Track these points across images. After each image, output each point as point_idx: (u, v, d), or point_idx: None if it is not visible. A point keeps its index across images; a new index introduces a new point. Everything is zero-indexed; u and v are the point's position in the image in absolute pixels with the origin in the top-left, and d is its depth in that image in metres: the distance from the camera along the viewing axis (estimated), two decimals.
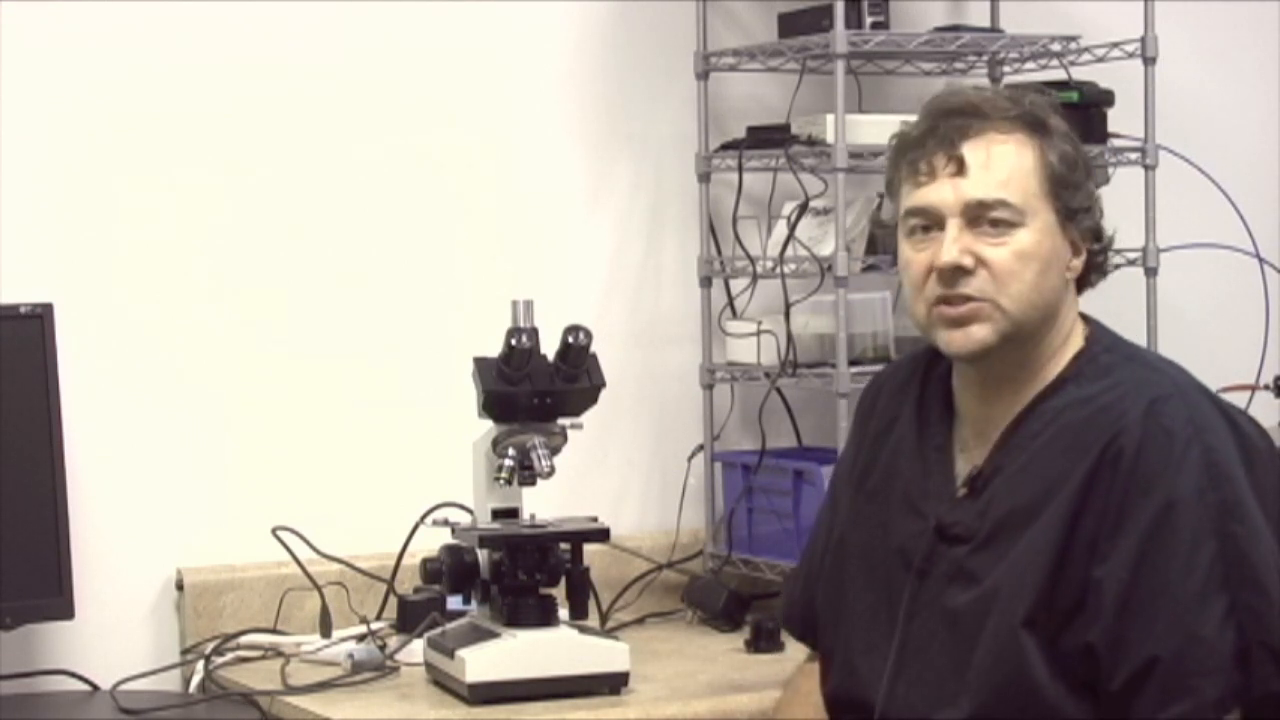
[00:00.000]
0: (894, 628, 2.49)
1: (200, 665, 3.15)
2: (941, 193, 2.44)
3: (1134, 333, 2.85)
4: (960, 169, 2.43)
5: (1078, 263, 2.49)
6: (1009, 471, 2.44)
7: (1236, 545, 2.33)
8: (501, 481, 2.97)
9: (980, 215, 2.42)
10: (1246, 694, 2.31)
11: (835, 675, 2.59)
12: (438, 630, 3.00)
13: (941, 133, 2.45)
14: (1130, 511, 2.34)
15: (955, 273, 2.42)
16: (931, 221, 2.45)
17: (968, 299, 2.42)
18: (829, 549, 2.64)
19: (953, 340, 2.45)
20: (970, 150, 2.43)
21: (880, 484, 2.57)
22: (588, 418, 3.04)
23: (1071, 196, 2.46)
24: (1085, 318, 2.54)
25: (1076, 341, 2.50)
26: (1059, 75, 3.61)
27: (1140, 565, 2.33)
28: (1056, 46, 3.60)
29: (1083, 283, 2.52)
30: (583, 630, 2.94)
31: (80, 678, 3.16)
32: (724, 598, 3.38)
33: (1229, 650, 2.31)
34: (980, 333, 2.43)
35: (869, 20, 3.45)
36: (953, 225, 2.43)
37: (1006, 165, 2.43)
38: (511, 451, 2.98)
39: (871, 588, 2.55)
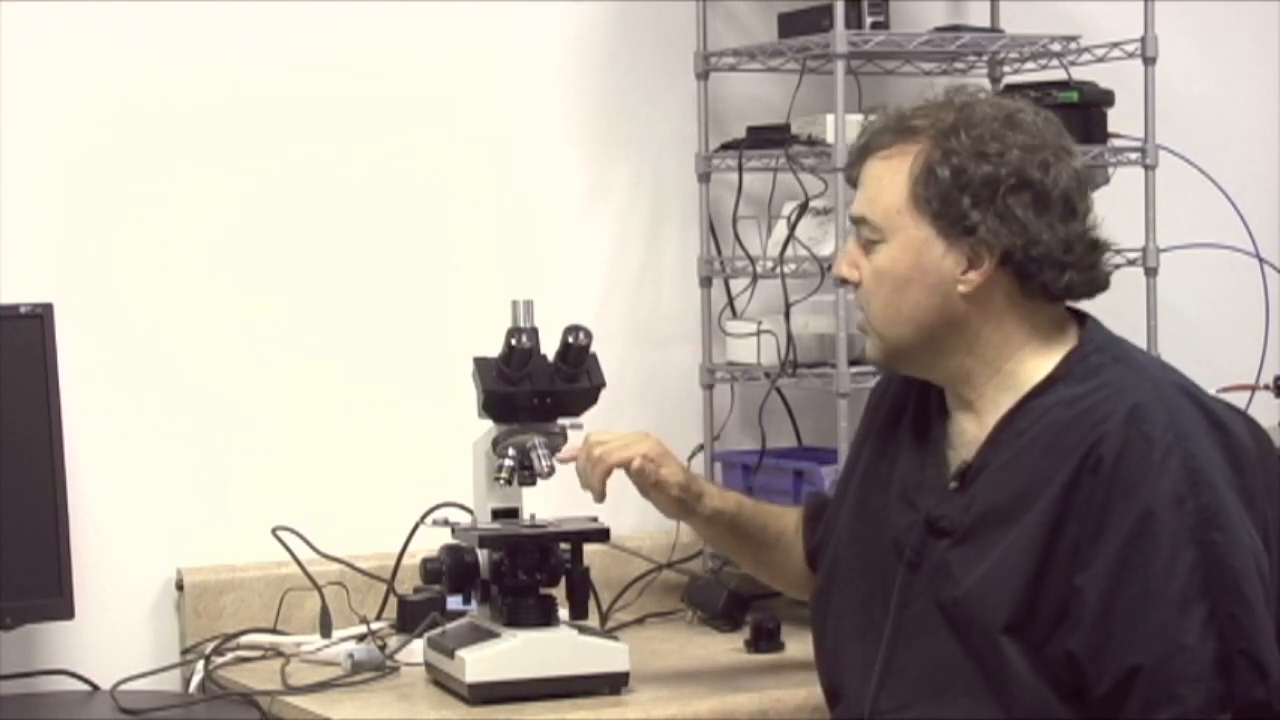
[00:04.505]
0: (886, 617, 2.51)
1: (200, 665, 3.15)
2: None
3: (1134, 333, 2.85)
4: (855, 185, 2.54)
5: (975, 275, 2.46)
6: (994, 468, 2.46)
7: (1216, 553, 2.33)
8: (501, 481, 2.97)
9: (860, 232, 2.52)
10: (1229, 702, 2.32)
11: (824, 660, 2.62)
12: (438, 630, 3.00)
13: (856, 148, 2.55)
14: (1110, 519, 2.35)
15: (847, 284, 2.55)
16: None
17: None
18: (830, 536, 2.67)
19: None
20: (864, 167, 2.52)
21: (884, 476, 2.61)
22: (588, 418, 3.04)
23: (957, 209, 2.44)
24: (1082, 317, 2.54)
25: (1069, 341, 2.50)
26: (1059, 75, 3.62)
27: (1120, 573, 2.34)
28: (1056, 46, 3.60)
29: (1058, 292, 2.48)
30: (583, 630, 2.94)
31: (80, 678, 3.16)
32: (724, 598, 3.38)
33: (1210, 658, 2.31)
34: (869, 346, 2.57)
35: (869, 20, 3.45)
36: (850, 239, 2.55)
37: (876, 182, 2.50)
38: (511, 451, 2.98)
39: (867, 577, 2.58)
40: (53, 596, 3.07)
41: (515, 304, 2.99)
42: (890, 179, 2.47)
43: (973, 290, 2.46)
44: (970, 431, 2.52)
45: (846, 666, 2.58)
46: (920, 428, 2.59)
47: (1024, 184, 2.44)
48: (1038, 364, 2.48)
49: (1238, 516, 2.36)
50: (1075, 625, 2.35)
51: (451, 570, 2.95)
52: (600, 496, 2.83)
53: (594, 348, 3.01)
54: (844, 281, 2.54)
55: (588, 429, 3.02)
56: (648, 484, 2.81)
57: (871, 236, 2.48)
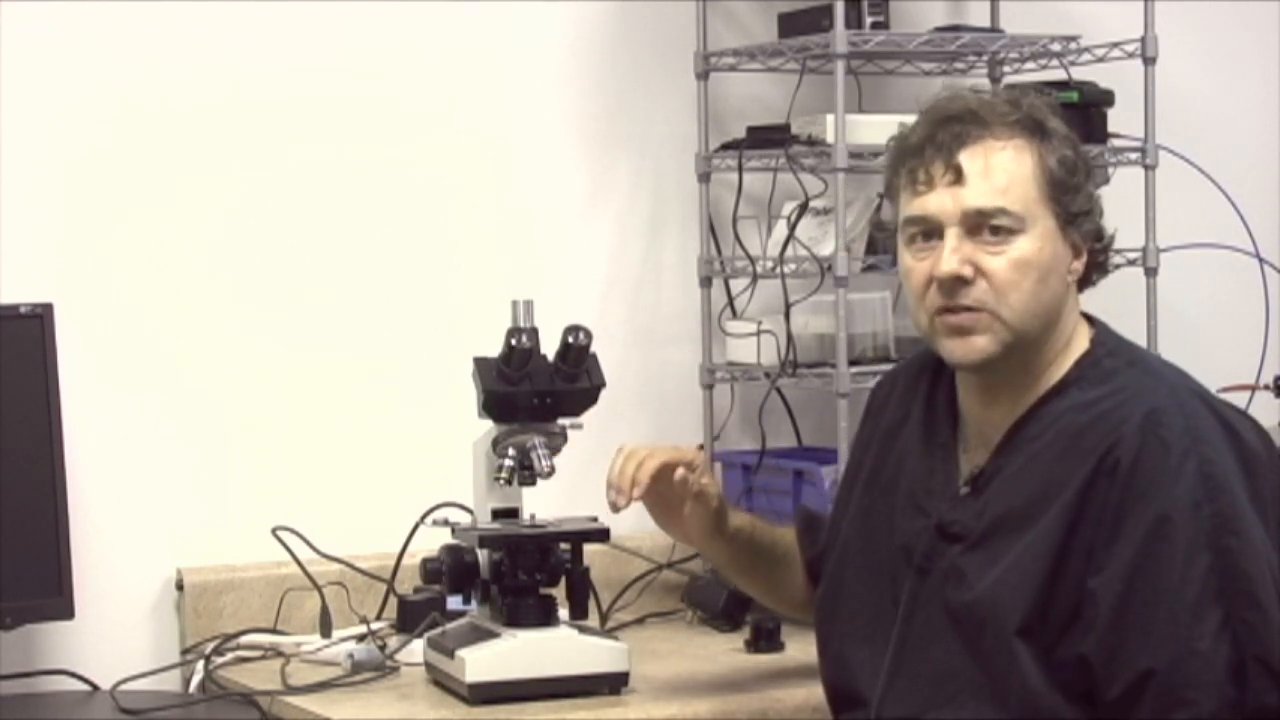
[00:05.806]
0: (894, 623, 2.50)
1: (200, 665, 3.15)
2: (940, 202, 2.44)
3: (1134, 333, 2.84)
4: (959, 177, 2.43)
5: (1079, 265, 2.48)
6: (1008, 472, 2.45)
7: (1231, 558, 2.33)
8: (501, 481, 2.97)
9: (980, 224, 2.42)
10: (1242, 708, 2.31)
11: (829, 667, 2.61)
12: (438, 630, 3.00)
13: (939, 140, 2.44)
14: (1126, 522, 2.34)
15: (955, 283, 2.42)
16: (931, 230, 2.45)
17: (968, 309, 2.43)
18: (833, 543, 2.66)
19: (955, 350, 2.45)
20: (968, 158, 2.43)
21: (889, 481, 2.59)
22: (588, 418, 3.04)
23: (1072, 200, 2.45)
24: (1090, 319, 2.53)
25: (1081, 344, 2.49)
26: (1059, 75, 3.62)
27: (1135, 577, 2.33)
28: (1056, 46, 3.60)
29: (1084, 282, 2.52)
30: (583, 630, 2.94)
31: (80, 678, 3.16)
32: (724, 598, 3.37)
33: (1223, 664, 2.30)
34: (981, 342, 2.44)
35: (869, 20, 3.45)
36: (951, 235, 2.43)
37: (1005, 172, 2.43)
38: (511, 451, 2.98)
39: (874, 583, 2.56)
40: (53, 596, 3.07)
41: (515, 304, 2.99)
42: (1018, 169, 2.43)
43: (1074, 280, 2.48)
44: (982, 435, 2.51)
45: (852, 672, 2.56)
46: (928, 432, 2.57)
47: (1092, 173, 2.50)
48: (1054, 366, 2.48)
49: (1252, 522, 2.35)
50: (1088, 628, 2.34)
51: (451, 570, 2.95)
52: (640, 492, 2.68)
53: (594, 348, 3.01)
54: (956, 281, 2.41)
55: (588, 429, 3.03)
56: (689, 492, 2.73)
57: (1012, 226, 2.41)
